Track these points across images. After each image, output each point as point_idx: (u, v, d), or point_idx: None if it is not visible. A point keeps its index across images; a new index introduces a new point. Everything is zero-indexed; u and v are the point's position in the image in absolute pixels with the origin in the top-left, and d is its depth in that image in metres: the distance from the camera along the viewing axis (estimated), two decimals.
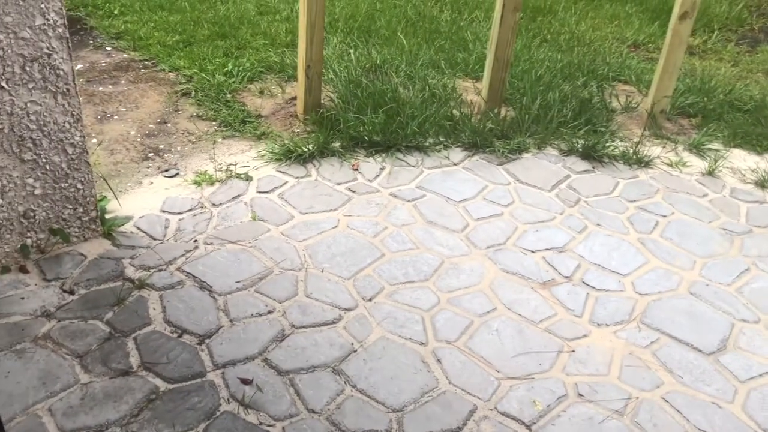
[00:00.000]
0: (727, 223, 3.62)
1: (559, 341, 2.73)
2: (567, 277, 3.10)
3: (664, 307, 2.97)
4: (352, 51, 4.98)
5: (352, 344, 2.61)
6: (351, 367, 2.50)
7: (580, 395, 2.49)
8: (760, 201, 3.83)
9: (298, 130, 4.07)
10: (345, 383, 2.44)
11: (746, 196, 3.87)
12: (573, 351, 2.70)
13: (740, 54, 5.93)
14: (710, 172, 4.04)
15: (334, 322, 2.71)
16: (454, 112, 4.29)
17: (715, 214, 3.68)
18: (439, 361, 2.57)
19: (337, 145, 3.90)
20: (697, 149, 4.27)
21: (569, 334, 2.78)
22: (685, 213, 3.66)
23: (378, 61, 4.83)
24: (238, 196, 3.45)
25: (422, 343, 2.65)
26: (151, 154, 3.77)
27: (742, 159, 4.25)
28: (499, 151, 4.01)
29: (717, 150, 4.28)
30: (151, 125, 4.07)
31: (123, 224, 3.15)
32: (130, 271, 2.87)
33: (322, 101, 4.18)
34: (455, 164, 3.91)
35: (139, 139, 3.91)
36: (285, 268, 2.98)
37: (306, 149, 3.79)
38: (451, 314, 2.81)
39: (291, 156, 3.75)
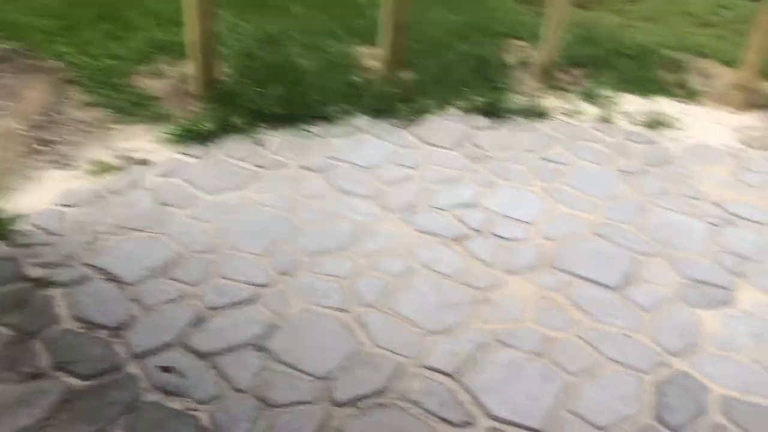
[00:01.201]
0: (623, 165, 3.79)
1: (475, 293, 2.80)
2: (478, 230, 3.17)
3: (571, 249, 3.09)
4: (245, 24, 4.84)
5: (273, 319, 2.58)
6: (274, 342, 2.48)
7: (500, 341, 2.57)
8: (651, 141, 4.03)
9: (196, 110, 3.94)
10: (269, 358, 2.41)
11: (639, 138, 4.06)
12: (490, 300, 2.77)
13: (623, 3, 6.17)
14: (604, 119, 4.21)
15: (252, 300, 2.67)
16: (356, 78, 4.26)
17: (612, 158, 3.84)
18: (362, 325, 2.59)
19: (238, 121, 3.80)
20: (591, 97, 4.43)
21: (485, 284, 2.85)
22: (584, 159, 3.81)
23: (273, 33, 4.72)
24: (139, 182, 3.32)
25: (344, 310, 2.65)
26: (41, 148, 3.56)
27: (632, 103, 4.45)
28: (403, 114, 4.03)
29: (609, 96, 4.46)
30: (38, 117, 3.83)
31: (17, 223, 2.96)
32: (30, 271, 2.71)
33: (218, 78, 4.06)
34: (361, 131, 3.90)
35: (27, 133, 3.68)
36: (196, 250, 2.89)
37: (206, 128, 3.68)
38: (371, 278, 2.82)
39: (191, 136, 3.63)
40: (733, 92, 4.49)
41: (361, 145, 3.76)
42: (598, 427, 2.27)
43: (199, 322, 2.54)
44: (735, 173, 3.77)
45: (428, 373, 2.41)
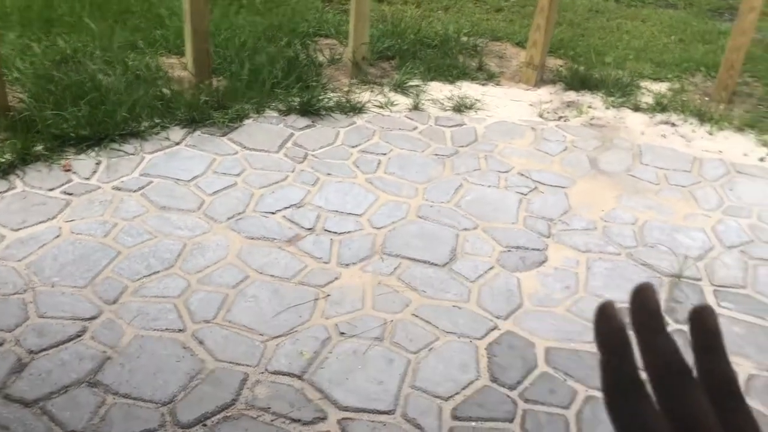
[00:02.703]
0: (437, 149, 4.00)
1: (313, 290, 2.84)
2: (310, 229, 3.21)
3: (399, 234, 3.23)
4: (35, 44, 4.50)
5: (105, 352, 2.45)
6: (108, 376, 2.35)
7: (342, 333, 2.63)
8: (459, 124, 4.29)
9: None
10: (105, 393, 2.29)
11: (448, 122, 4.31)
12: (328, 295, 2.83)
13: None
14: (415, 107, 4.42)
15: (79, 336, 2.51)
16: (164, 90, 4.12)
17: (426, 143, 4.05)
18: (201, 342, 2.53)
19: (40, 147, 3.53)
20: (401, 88, 4.62)
21: (322, 280, 2.90)
22: (401, 148, 3.97)
23: (68, 51, 4.43)
24: None
25: (180, 330, 2.58)
26: None
27: (439, 90, 4.70)
28: (219, 122, 3.96)
29: (417, 85, 4.68)
30: None
31: None
32: None
33: (10, 104, 3.74)
34: (177, 143, 3.78)
35: None
36: (7, 293, 2.66)
37: (3, 159, 3.38)
38: (204, 294, 2.76)
39: None
40: (525, 70, 4.90)
41: (179, 158, 3.65)
42: (441, 398, 2.40)
43: (20, 368, 2.35)
44: (534, 144, 4.12)
45: (274, 377, 2.41)
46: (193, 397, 2.30)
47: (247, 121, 4.06)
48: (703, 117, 4.58)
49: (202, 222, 3.19)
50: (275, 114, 4.18)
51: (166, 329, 2.57)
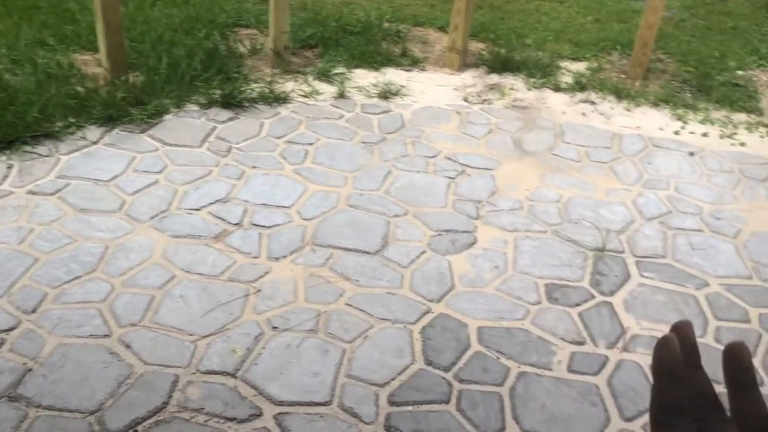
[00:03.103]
0: (365, 136, 3.99)
1: (243, 286, 2.79)
2: (237, 224, 3.15)
3: (329, 224, 3.21)
4: None
5: (25, 364, 2.34)
6: (30, 388, 2.25)
7: (275, 328, 2.60)
8: (386, 111, 4.29)
9: None
10: (27, 407, 2.19)
11: (374, 109, 4.30)
12: (259, 290, 2.78)
13: None
14: (341, 95, 4.39)
15: None
16: (78, 88, 3.95)
17: (353, 131, 4.03)
18: (128, 346, 2.45)
19: None
20: (325, 76, 4.58)
21: (252, 275, 2.85)
22: (328, 137, 3.94)
23: None
24: None
25: (106, 335, 2.49)
26: None
27: (363, 77, 4.68)
28: (138, 118, 3.83)
29: (342, 73, 4.65)
30: None
31: None
32: None
33: None
34: (94, 143, 3.64)
35: None
36: None
37: None
38: (129, 296, 2.68)
39: None
40: (448, 55, 4.93)
41: (97, 158, 3.51)
42: (378, 385, 2.40)
43: None
44: (460, 128, 4.16)
45: (206, 377, 2.36)
46: (123, 403, 2.23)
47: (167, 117, 3.94)
48: (620, 94, 4.72)
49: (123, 223, 3.08)
50: (196, 108, 4.08)
51: (91, 335, 2.48)
